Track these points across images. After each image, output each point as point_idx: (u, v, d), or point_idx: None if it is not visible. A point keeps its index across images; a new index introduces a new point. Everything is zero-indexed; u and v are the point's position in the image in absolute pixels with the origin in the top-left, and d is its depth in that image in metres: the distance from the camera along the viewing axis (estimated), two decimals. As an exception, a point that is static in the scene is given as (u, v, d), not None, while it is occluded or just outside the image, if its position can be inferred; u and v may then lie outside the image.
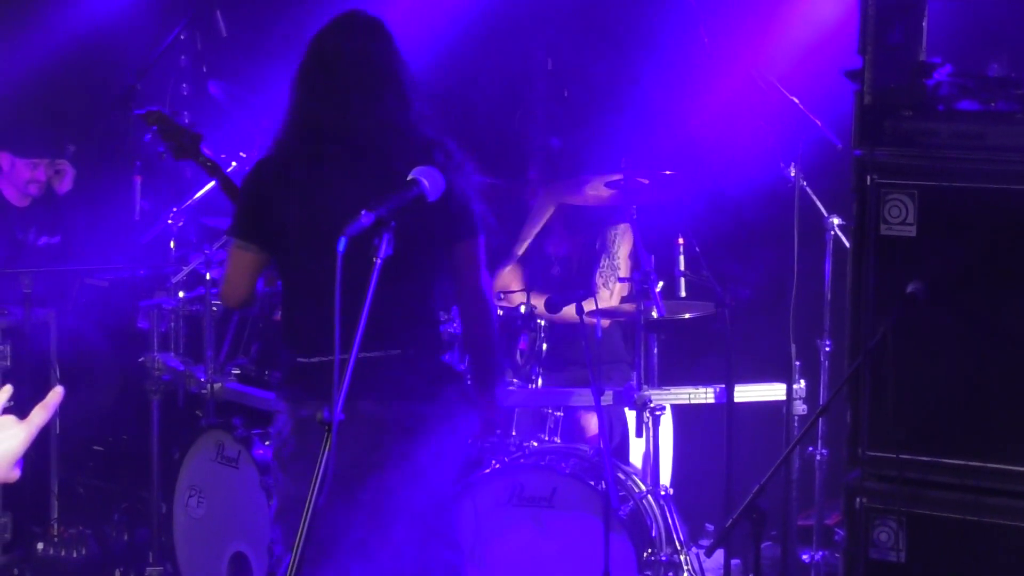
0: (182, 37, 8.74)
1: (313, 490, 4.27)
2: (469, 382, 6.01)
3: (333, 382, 4.41)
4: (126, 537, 8.08)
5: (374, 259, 4.50)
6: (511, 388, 7.00)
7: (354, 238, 4.53)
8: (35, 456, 8.15)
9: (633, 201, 7.20)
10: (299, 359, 5.57)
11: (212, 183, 7.39)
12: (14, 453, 3.69)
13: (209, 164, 6.86)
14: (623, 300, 7.47)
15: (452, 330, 6.81)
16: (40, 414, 3.71)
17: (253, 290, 5.87)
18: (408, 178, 4.89)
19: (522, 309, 6.99)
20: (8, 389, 3.87)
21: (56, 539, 8.09)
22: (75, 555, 8.03)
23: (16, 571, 7.79)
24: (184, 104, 8.66)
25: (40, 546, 8.03)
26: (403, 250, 4.66)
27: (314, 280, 5.15)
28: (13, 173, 8.41)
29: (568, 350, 7.29)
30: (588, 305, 6.99)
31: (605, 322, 7.18)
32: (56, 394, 3.81)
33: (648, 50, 7.94)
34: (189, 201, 7.84)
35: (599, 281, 7.61)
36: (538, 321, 7.04)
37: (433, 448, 5.53)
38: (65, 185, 8.53)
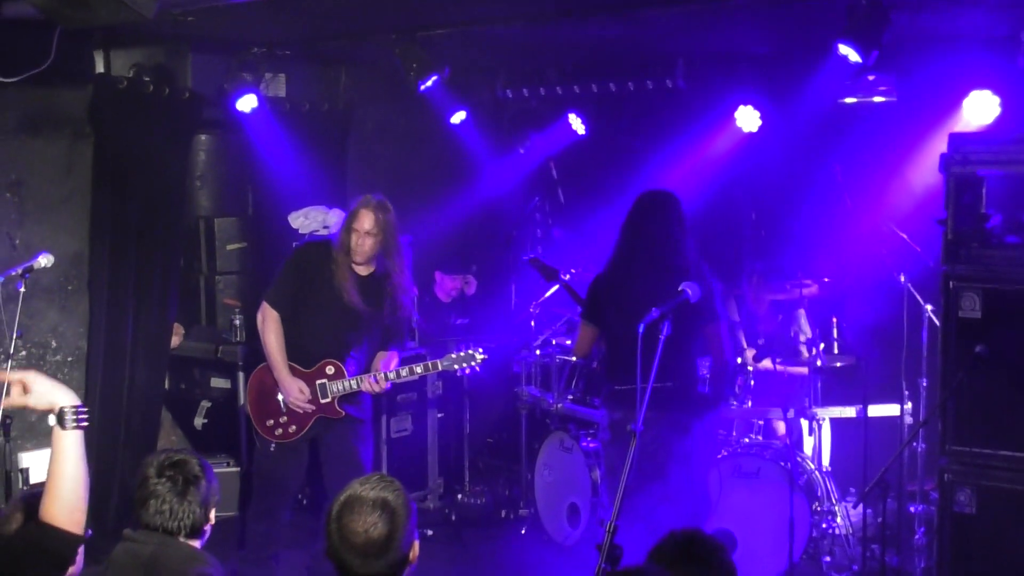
0: (538, 203, 9.00)
1: (626, 467, 4.44)
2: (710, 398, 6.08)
3: (636, 401, 4.60)
4: (507, 492, 8.22)
5: (659, 337, 4.67)
6: (733, 407, 7.04)
7: (648, 324, 4.75)
8: (455, 445, 8.49)
9: (806, 296, 7.26)
10: (614, 387, 5.71)
11: (556, 287, 7.60)
12: None
13: (559, 280, 7.18)
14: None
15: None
16: None
17: (591, 349, 6.12)
18: (679, 289, 5.04)
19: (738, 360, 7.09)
20: None
21: (468, 492, 8.34)
22: (478, 502, 8.25)
23: (446, 510, 7.98)
24: (538, 242, 8.89)
25: (459, 496, 8.28)
26: (676, 330, 4.79)
27: (624, 344, 5.22)
28: (443, 283, 8.63)
29: (765, 385, 7.26)
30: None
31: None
32: None
33: (812, 204, 7.84)
34: (542, 299, 7.97)
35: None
36: (748, 367, 7.10)
37: (693, 440, 5.66)
38: (471, 289, 8.72)
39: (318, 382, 5.96)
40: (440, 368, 6.05)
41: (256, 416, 6.08)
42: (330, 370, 5.94)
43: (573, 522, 7.21)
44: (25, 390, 3.21)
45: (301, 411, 5.96)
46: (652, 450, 5.46)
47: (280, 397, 6.01)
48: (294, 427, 6.00)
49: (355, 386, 5.93)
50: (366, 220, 5.88)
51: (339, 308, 5.92)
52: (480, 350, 6.07)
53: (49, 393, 3.22)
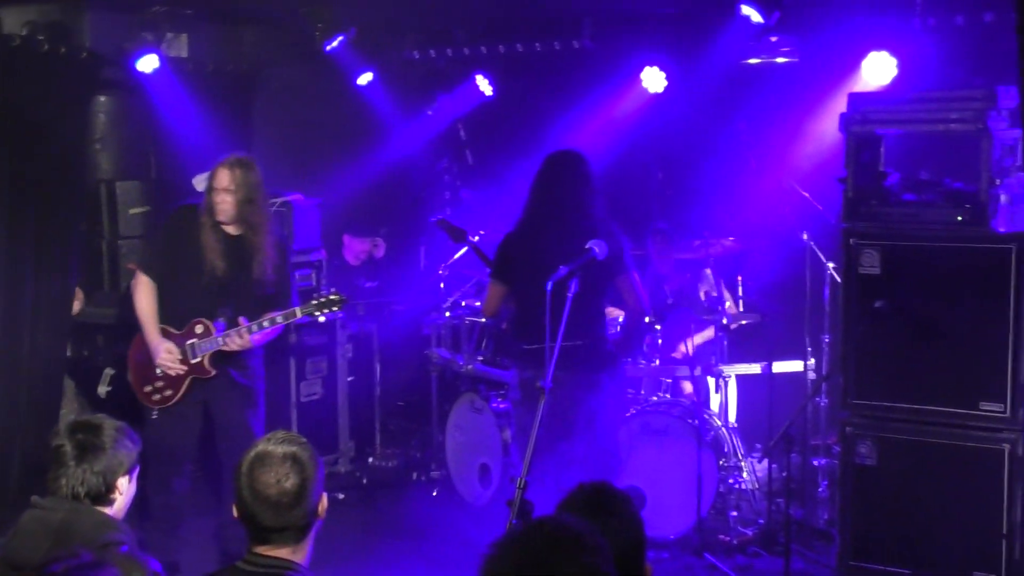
0: (446, 165, 9.00)
1: (536, 423, 4.49)
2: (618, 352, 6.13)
3: (545, 360, 4.66)
4: (419, 454, 8.27)
5: (567, 294, 4.73)
6: (641, 365, 7.14)
7: (556, 282, 4.81)
8: (366, 408, 8.50)
9: (712, 255, 7.37)
10: (524, 346, 5.74)
11: (465, 249, 7.66)
12: None
13: (467, 241, 7.21)
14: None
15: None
16: None
17: (500, 308, 6.16)
18: (586, 247, 5.11)
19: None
20: None
21: (379, 455, 8.38)
22: (390, 464, 8.30)
23: (357, 474, 8.04)
24: (447, 203, 8.89)
25: (370, 459, 8.32)
26: (584, 288, 4.87)
27: (533, 302, 5.20)
28: (351, 246, 8.61)
29: (672, 345, 7.38)
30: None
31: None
32: None
33: (717, 164, 7.96)
34: (451, 260, 7.99)
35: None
36: (656, 327, 7.17)
37: (602, 398, 5.72)
38: (380, 252, 8.70)
39: (188, 343, 5.87)
40: (299, 315, 5.90)
41: (136, 384, 6.03)
42: (199, 329, 5.87)
43: (484, 482, 7.28)
44: None
45: (173, 374, 5.89)
46: (562, 409, 5.50)
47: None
48: (170, 391, 5.93)
49: (222, 343, 5.83)
50: (224, 177, 5.80)
51: (208, 270, 5.86)
52: (339, 294, 5.97)
53: None
